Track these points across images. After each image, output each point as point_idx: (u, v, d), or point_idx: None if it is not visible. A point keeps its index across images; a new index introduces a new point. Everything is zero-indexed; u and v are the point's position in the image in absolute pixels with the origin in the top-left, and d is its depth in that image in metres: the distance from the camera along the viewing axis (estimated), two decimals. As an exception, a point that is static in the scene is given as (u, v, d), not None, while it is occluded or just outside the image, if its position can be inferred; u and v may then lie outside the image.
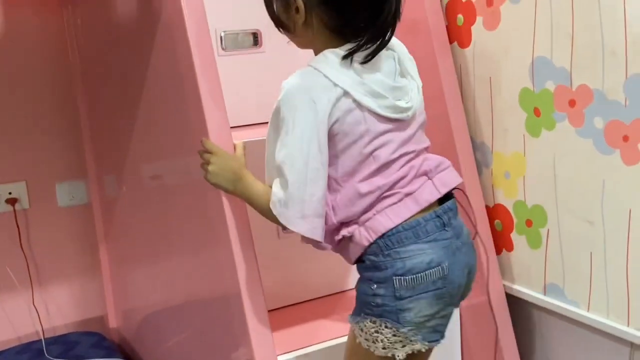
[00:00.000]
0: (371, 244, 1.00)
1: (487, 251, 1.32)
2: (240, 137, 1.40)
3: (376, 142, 0.99)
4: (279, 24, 1.07)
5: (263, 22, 1.55)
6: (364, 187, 0.99)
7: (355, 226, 1.01)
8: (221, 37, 1.55)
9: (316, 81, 0.98)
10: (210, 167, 1.08)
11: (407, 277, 0.98)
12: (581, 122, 1.18)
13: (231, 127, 1.24)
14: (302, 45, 1.09)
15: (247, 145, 1.41)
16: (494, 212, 1.39)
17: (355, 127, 0.98)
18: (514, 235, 1.35)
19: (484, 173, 1.40)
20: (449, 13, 1.38)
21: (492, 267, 1.35)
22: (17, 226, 1.80)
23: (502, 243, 1.38)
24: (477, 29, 1.35)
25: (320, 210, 0.98)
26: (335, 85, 0.97)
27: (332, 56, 1.00)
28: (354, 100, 0.98)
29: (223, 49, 1.55)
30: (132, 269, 1.74)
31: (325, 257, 1.20)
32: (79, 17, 1.72)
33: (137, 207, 1.60)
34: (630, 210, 1.13)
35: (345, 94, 0.97)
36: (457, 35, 1.39)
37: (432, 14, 1.36)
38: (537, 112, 1.26)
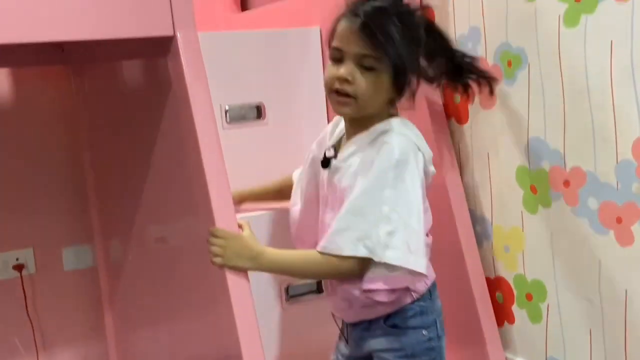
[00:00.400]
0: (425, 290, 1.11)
1: (487, 322, 1.35)
2: (243, 210, 1.45)
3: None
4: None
5: (267, 95, 1.64)
6: (428, 240, 1.11)
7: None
8: (226, 111, 1.60)
9: (411, 145, 1.08)
10: (226, 252, 1.11)
11: (441, 317, 1.13)
12: (576, 202, 1.22)
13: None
14: (367, 107, 1.09)
15: (252, 219, 1.45)
16: (496, 284, 1.41)
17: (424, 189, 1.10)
18: (515, 309, 1.37)
19: (485, 245, 1.43)
20: (445, 91, 1.43)
21: (494, 339, 1.37)
22: (24, 292, 1.83)
23: (504, 315, 1.40)
24: (474, 108, 1.39)
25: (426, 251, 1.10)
26: (419, 149, 1.09)
27: (407, 121, 1.12)
28: (425, 164, 1.09)
29: (227, 122, 1.61)
30: (136, 332, 1.76)
31: (333, 327, 1.23)
32: (88, 86, 1.78)
33: (142, 271, 1.63)
34: (626, 291, 1.16)
35: (424, 157, 1.09)
36: (455, 113, 1.44)
37: (429, 91, 1.40)
38: (533, 189, 1.30)
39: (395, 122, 1.10)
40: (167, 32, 1.21)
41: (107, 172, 1.76)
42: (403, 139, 1.07)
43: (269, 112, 1.65)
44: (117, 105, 1.61)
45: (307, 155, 1.27)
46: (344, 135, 1.18)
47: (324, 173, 1.17)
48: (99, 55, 1.60)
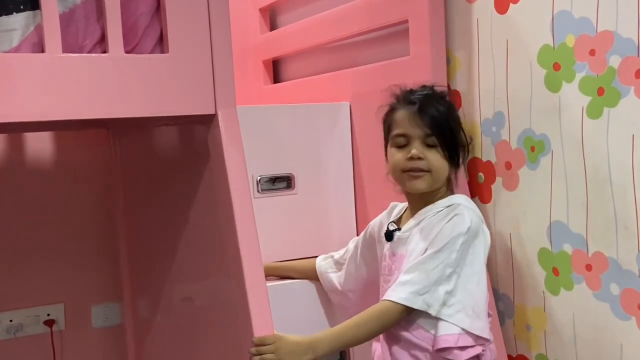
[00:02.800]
0: None
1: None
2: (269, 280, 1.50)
3: None
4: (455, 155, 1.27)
5: (297, 166, 1.70)
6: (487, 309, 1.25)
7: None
8: (257, 181, 1.67)
9: (480, 220, 1.24)
10: (280, 355, 1.14)
11: None
12: (598, 287, 1.25)
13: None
14: (439, 180, 1.27)
15: (279, 290, 1.50)
16: (517, 362, 1.43)
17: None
18: (536, 388, 1.39)
19: (507, 323, 1.45)
20: (470, 171, 1.48)
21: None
22: (53, 347, 1.87)
23: (524, 394, 1.41)
24: (497, 188, 1.44)
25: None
26: (480, 226, 1.23)
27: (469, 198, 1.30)
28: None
29: (259, 191, 1.67)
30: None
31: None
32: (126, 148, 1.85)
33: (169, 331, 1.67)
34: (647, 378, 1.17)
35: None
36: (479, 191, 1.49)
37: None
38: (555, 271, 1.33)
39: (461, 198, 1.27)
40: (209, 110, 1.28)
41: (139, 233, 1.82)
42: (474, 214, 1.23)
43: (298, 182, 1.71)
44: (154, 169, 1.68)
45: (355, 243, 1.45)
46: (404, 213, 1.33)
47: (386, 246, 1.30)
48: (141, 121, 1.68)
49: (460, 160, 1.27)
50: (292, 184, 1.71)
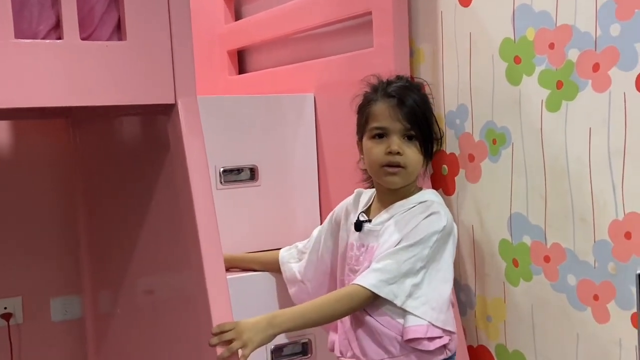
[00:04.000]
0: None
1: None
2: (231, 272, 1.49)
3: None
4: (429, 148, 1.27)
5: (261, 158, 1.69)
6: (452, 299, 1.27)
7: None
8: (220, 172, 1.65)
9: (451, 219, 1.24)
10: (243, 337, 1.12)
11: None
12: (556, 277, 1.26)
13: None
14: (412, 175, 1.27)
15: (239, 282, 1.49)
16: (478, 353, 1.44)
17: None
18: (495, 379, 1.40)
19: (468, 314, 1.46)
20: (434, 163, 1.49)
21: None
22: (10, 342, 1.83)
23: (484, 385, 1.42)
24: (460, 180, 1.45)
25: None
26: (453, 226, 1.24)
27: (434, 191, 1.32)
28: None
29: (222, 183, 1.65)
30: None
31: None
32: (86, 139, 1.82)
33: (130, 323, 1.65)
34: (602, 367, 1.19)
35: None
36: (442, 183, 1.49)
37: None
38: (515, 263, 1.34)
39: (432, 194, 1.28)
40: (169, 100, 1.26)
41: (100, 224, 1.79)
42: (448, 212, 1.24)
43: (262, 174, 1.69)
44: (115, 159, 1.65)
45: (318, 232, 1.43)
46: (372, 203, 1.32)
47: (354, 235, 1.30)
48: (100, 111, 1.65)
49: (433, 153, 1.28)
50: (255, 175, 1.69)
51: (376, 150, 1.24)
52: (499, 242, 1.37)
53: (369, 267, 1.21)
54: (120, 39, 1.22)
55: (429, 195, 1.27)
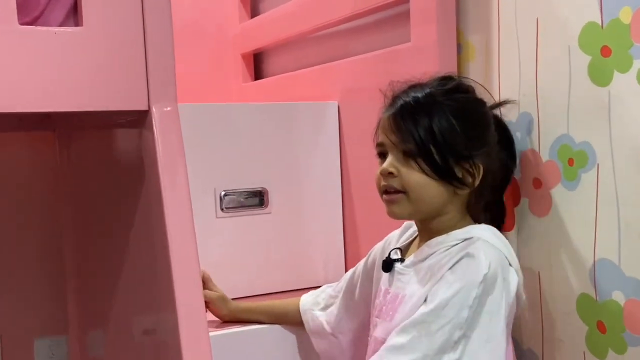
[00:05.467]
0: None
1: None
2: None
3: None
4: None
5: (271, 179, 1.39)
6: None
7: None
8: (221, 197, 1.36)
9: (502, 260, 0.94)
10: None
11: None
12: (661, 352, 0.92)
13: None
14: (423, 203, 0.98)
15: (242, 336, 1.21)
16: None
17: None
18: None
19: (531, 387, 1.12)
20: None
21: None
22: (-14, 389, 1.61)
23: None
24: (522, 212, 1.12)
25: None
26: (511, 265, 0.95)
27: (495, 230, 0.99)
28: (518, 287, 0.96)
29: (223, 210, 1.36)
30: None
31: None
32: (72, 155, 1.57)
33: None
34: None
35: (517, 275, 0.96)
36: (498, 216, 1.16)
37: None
38: (601, 327, 1.00)
39: (480, 230, 0.98)
40: (140, 106, 0.98)
41: (87, 256, 1.55)
42: (493, 253, 0.94)
43: (273, 199, 1.40)
44: (100, 180, 1.40)
45: (355, 269, 1.15)
46: (415, 239, 1.06)
47: (384, 278, 1.04)
48: (86, 122, 1.41)
49: (476, 178, 0.97)
50: (265, 200, 1.40)
51: (377, 171, 0.99)
52: (578, 298, 1.03)
53: (391, 322, 0.96)
54: (76, 25, 0.94)
55: (478, 230, 0.98)
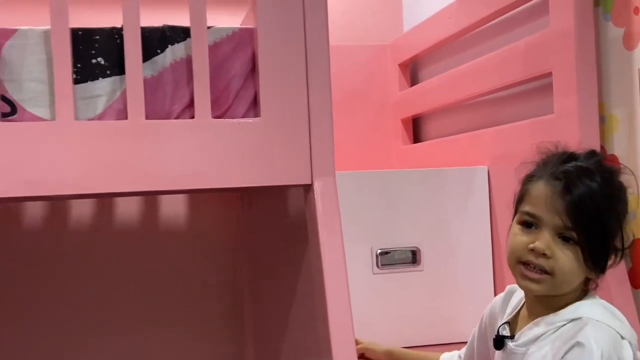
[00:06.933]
0: None
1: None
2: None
3: None
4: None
5: (423, 239, 1.50)
6: None
7: None
8: (377, 255, 1.49)
9: (614, 339, 0.91)
10: None
11: None
12: None
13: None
14: (563, 287, 0.96)
15: None
16: None
17: None
18: None
19: None
20: (633, 254, 1.18)
21: None
22: None
23: None
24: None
25: None
26: (623, 337, 0.93)
27: (604, 302, 0.97)
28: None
29: (378, 266, 1.49)
30: None
31: None
32: (253, 213, 1.76)
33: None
34: None
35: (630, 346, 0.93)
36: (631, 276, 1.17)
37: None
38: None
39: (589, 309, 0.95)
40: (305, 180, 1.15)
41: (262, 308, 1.70)
42: (604, 336, 0.91)
43: (425, 257, 1.51)
44: (275, 235, 1.58)
45: (472, 334, 1.18)
46: (521, 308, 1.05)
47: (497, 355, 1.04)
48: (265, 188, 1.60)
49: (608, 265, 0.96)
50: (417, 258, 1.51)
51: (519, 239, 0.97)
52: None
53: None
54: (255, 116, 1.15)
55: (587, 309, 0.95)
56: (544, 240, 0.94)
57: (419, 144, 1.96)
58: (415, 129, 2.02)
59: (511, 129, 1.47)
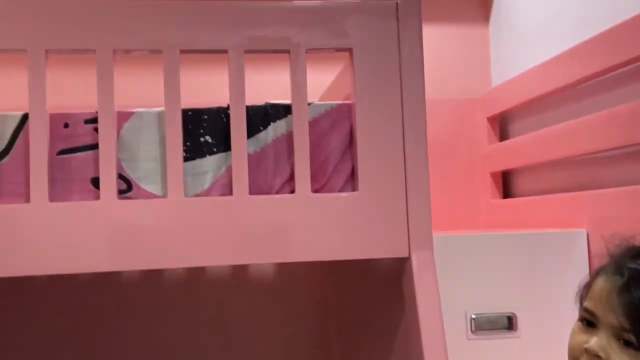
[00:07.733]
0: None
1: None
2: None
3: None
4: None
5: (520, 304, 1.47)
6: None
7: None
8: (471, 320, 1.47)
9: None
10: None
11: None
12: None
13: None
14: None
15: None
16: None
17: None
18: None
19: None
20: None
21: None
22: None
23: None
24: None
25: None
26: None
27: None
28: None
29: (473, 331, 1.47)
30: None
31: None
32: (345, 282, 1.73)
33: None
34: None
35: None
36: None
37: None
38: None
39: None
40: (402, 253, 1.16)
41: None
42: None
43: (521, 324, 1.47)
44: (365, 300, 1.58)
45: None
46: None
47: None
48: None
49: None
50: (513, 324, 1.48)
51: (576, 339, 0.93)
52: None
53: None
54: (352, 189, 1.17)
55: None
56: (599, 341, 0.89)
57: (510, 199, 1.92)
58: (505, 183, 1.98)
59: (612, 193, 1.42)
